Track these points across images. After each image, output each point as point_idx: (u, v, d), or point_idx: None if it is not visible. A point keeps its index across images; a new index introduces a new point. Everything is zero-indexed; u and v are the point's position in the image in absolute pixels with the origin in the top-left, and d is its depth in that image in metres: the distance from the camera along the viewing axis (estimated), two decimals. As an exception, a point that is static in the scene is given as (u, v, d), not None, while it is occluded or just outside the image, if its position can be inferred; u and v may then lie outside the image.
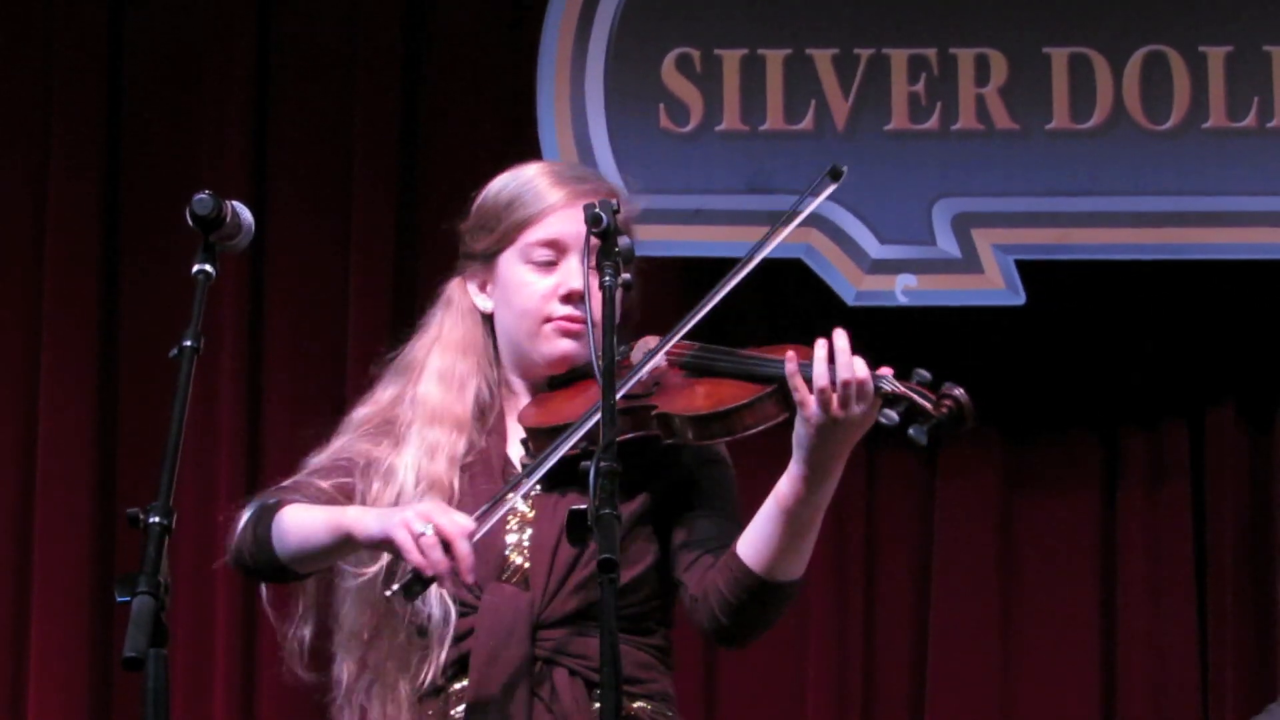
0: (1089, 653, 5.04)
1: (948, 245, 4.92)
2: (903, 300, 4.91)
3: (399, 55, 5.17)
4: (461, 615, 2.84)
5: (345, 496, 2.90)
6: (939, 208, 4.93)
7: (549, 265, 2.92)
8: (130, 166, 5.18)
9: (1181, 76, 4.95)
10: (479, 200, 3.00)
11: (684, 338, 2.82)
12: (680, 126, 4.98)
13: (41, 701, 5.02)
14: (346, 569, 2.93)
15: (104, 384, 5.13)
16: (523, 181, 2.97)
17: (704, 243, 4.82)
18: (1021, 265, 4.90)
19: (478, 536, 2.71)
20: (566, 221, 2.90)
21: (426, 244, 5.01)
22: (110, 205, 5.17)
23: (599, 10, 4.99)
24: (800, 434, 2.69)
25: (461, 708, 2.83)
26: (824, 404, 2.65)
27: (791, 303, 4.92)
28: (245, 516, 2.92)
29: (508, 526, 2.86)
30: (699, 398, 2.77)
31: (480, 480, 2.88)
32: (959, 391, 2.64)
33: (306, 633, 2.96)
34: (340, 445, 2.97)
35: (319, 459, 2.97)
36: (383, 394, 3.01)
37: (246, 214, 2.69)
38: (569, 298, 2.90)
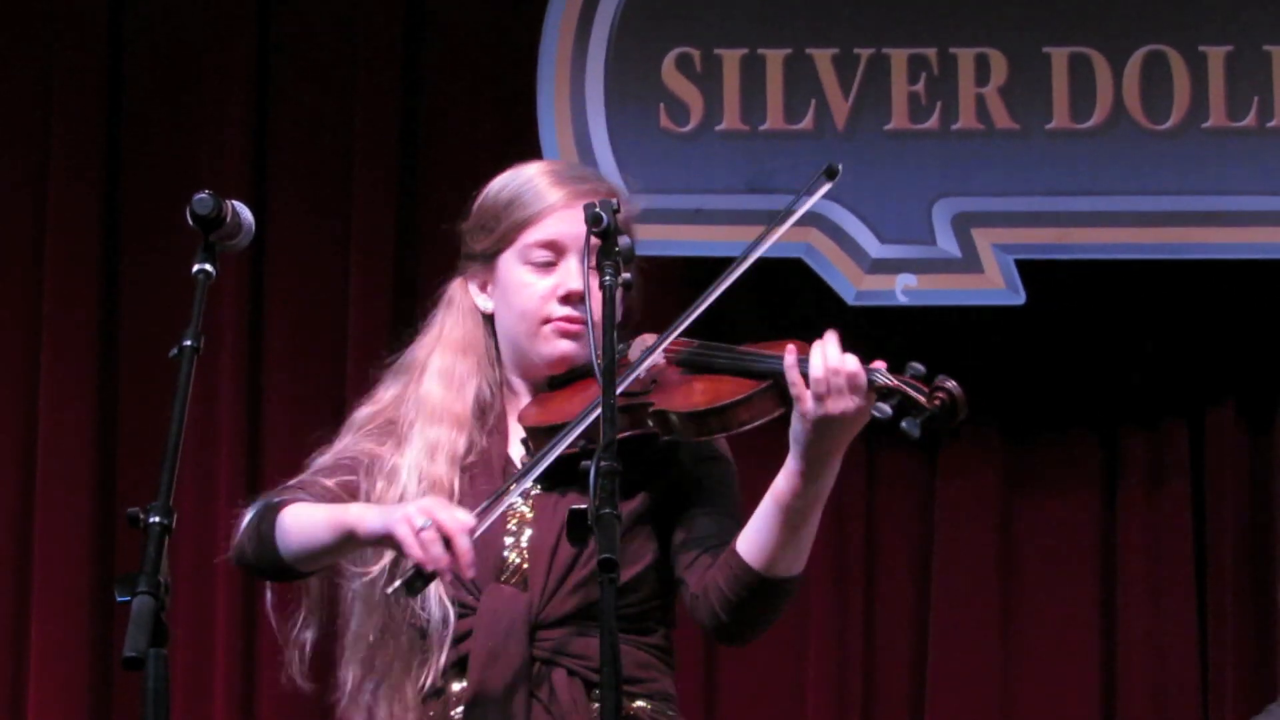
0: (1089, 653, 5.04)
1: (948, 245, 4.92)
2: (903, 300, 4.91)
3: (399, 55, 5.17)
4: (461, 617, 2.84)
5: (350, 495, 2.90)
6: (939, 207, 4.93)
7: (548, 266, 2.92)
8: (130, 166, 5.18)
9: (1181, 76, 4.96)
10: (479, 200, 3.00)
11: (682, 335, 2.82)
12: (680, 126, 4.98)
13: (41, 701, 5.02)
14: (350, 569, 2.93)
15: (104, 384, 5.13)
16: (522, 182, 2.97)
17: (704, 242, 4.82)
18: (1021, 265, 4.90)
19: (478, 533, 2.71)
20: (566, 222, 2.90)
21: (426, 244, 5.01)
22: (110, 205, 5.17)
23: (599, 10, 4.99)
24: (796, 429, 2.69)
25: (460, 709, 2.83)
26: (819, 398, 2.65)
27: (791, 302, 4.93)
28: (249, 515, 2.91)
29: (507, 527, 2.86)
30: (696, 394, 2.78)
31: (480, 480, 2.89)
32: (951, 384, 2.65)
33: (308, 636, 2.96)
34: (344, 445, 2.98)
35: (323, 459, 2.97)
36: (385, 394, 3.02)
37: (246, 214, 2.69)
38: (568, 298, 2.90)
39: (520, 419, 2.91)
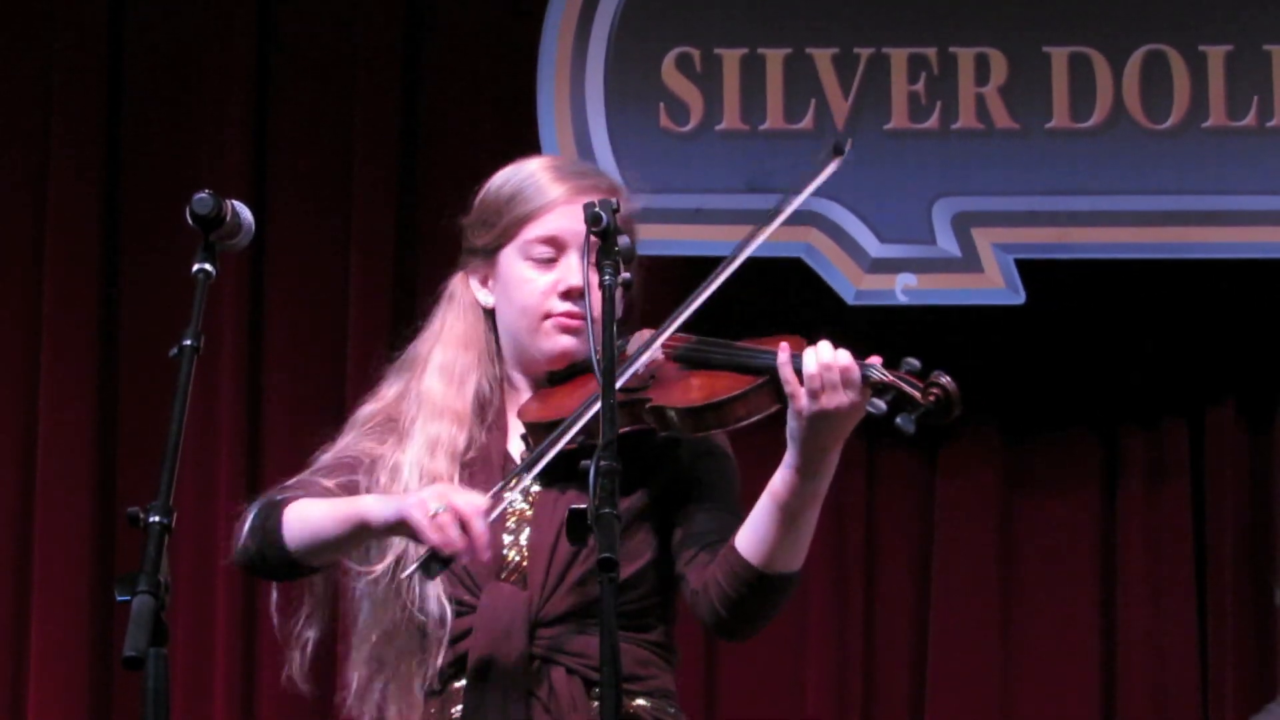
0: (1089, 653, 5.04)
1: (948, 244, 4.92)
2: (903, 299, 4.91)
3: (399, 55, 5.18)
4: (460, 615, 2.84)
5: (350, 494, 2.90)
6: (939, 207, 4.93)
7: (549, 261, 2.92)
8: (130, 166, 5.18)
9: (1181, 76, 4.96)
10: (481, 195, 3.00)
11: (682, 331, 2.83)
12: (680, 126, 4.98)
13: (41, 701, 5.02)
14: (354, 568, 2.93)
15: (104, 384, 5.13)
16: (524, 177, 2.97)
17: (704, 242, 4.82)
18: (1021, 264, 4.90)
19: (493, 516, 2.71)
20: (566, 218, 2.89)
21: (426, 244, 5.01)
22: (110, 205, 5.17)
23: (599, 10, 4.99)
24: (792, 426, 2.70)
25: (460, 707, 2.83)
26: (813, 394, 2.66)
27: (791, 302, 4.93)
28: (251, 514, 2.91)
29: (506, 525, 2.86)
30: (693, 390, 2.78)
31: (480, 477, 2.88)
32: (946, 379, 2.64)
33: (311, 635, 2.96)
34: (345, 444, 2.97)
35: (325, 458, 2.97)
36: (387, 391, 3.02)
37: (246, 213, 2.69)
38: (569, 294, 2.90)
39: (520, 415, 2.91)
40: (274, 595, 3.01)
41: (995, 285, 4.91)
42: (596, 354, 2.74)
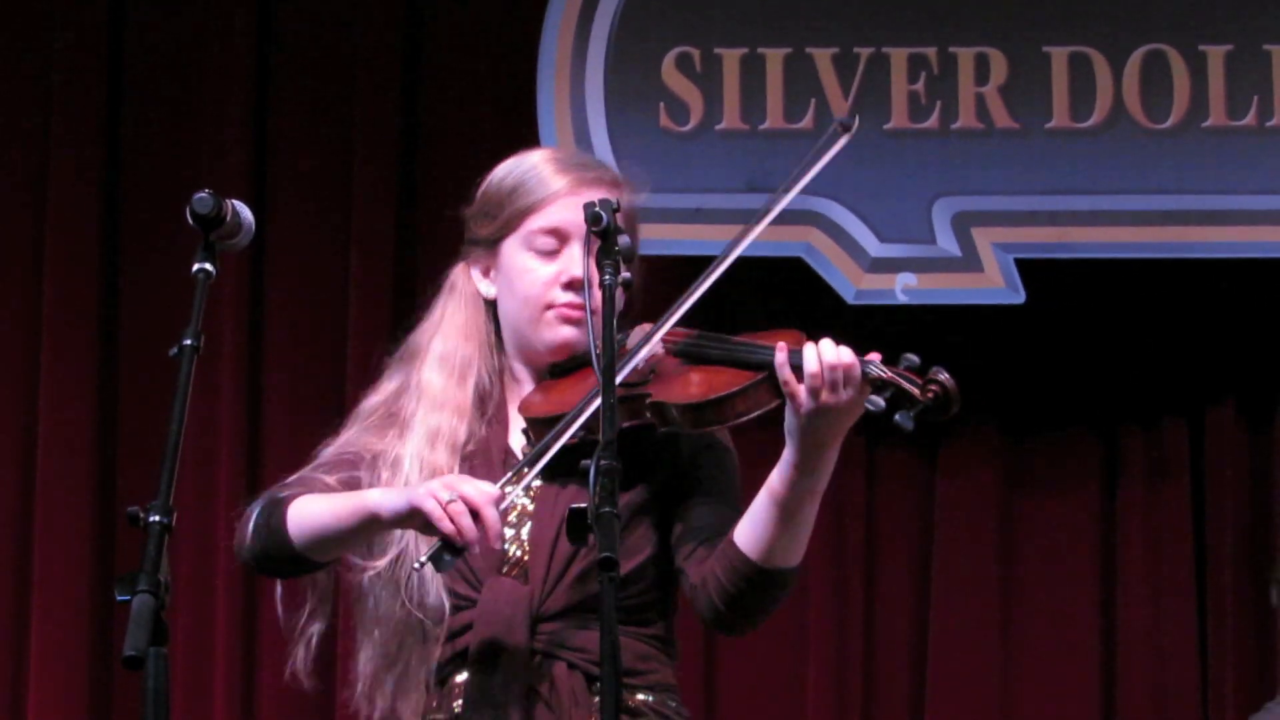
0: (1089, 653, 5.04)
1: (948, 244, 4.92)
2: (903, 299, 4.91)
3: (399, 55, 5.17)
4: (462, 609, 2.84)
5: (352, 490, 2.90)
6: (939, 206, 4.93)
7: (552, 253, 2.93)
8: (130, 166, 5.18)
9: (1181, 75, 4.96)
10: (483, 186, 3.01)
11: (680, 325, 2.82)
12: (680, 125, 4.98)
13: (41, 701, 5.02)
14: (358, 563, 2.92)
15: (104, 384, 5.13)
16: (526, 168, 2.97)
17: (704, 241, 4.82)
18: (1021, 264, 4.90)
19: (504, 504, 2.72)
20: (569, 209, 2.90)
21: (426, 244, 5.01)
22: (110, 205, 5.17)
23: (599, 10, 4.99)
24: (791, 423, 2.70)
25: (461, 701, 2.83)
26: (812, 391, 2.66)
27: (792, 301, 4.92)
28: (255, 511, 2.90)
29: (508, 520, 2.86)
30: (693, 385, 2.78)
31: (480, 470, 2.88)
32: (945, 376, 2.65)
33: (315, 630, 2.96)
34: (347, 439, 2.97)
35: (327, 453, 2.97)
36: (389, 384, 3.01)
37: (246, 213, 2.69)
38: (571, 285, 2.90)
39: (521, 409, 2.91)
40: (278, 589, 3.00)
41: (995, 285, 4.91)
42: (596, 348, 2.74)
